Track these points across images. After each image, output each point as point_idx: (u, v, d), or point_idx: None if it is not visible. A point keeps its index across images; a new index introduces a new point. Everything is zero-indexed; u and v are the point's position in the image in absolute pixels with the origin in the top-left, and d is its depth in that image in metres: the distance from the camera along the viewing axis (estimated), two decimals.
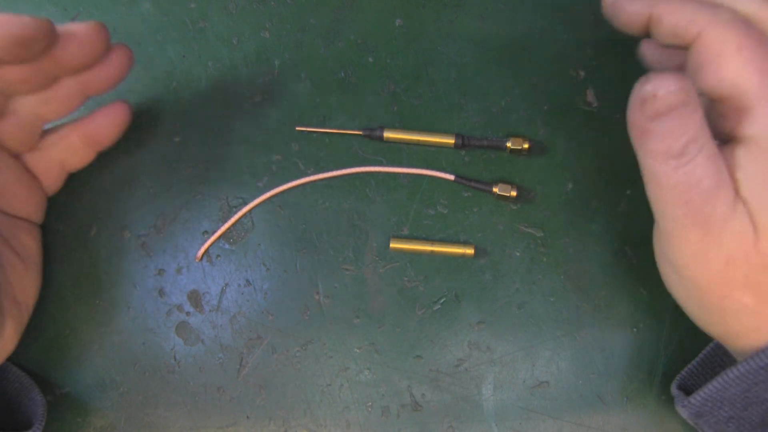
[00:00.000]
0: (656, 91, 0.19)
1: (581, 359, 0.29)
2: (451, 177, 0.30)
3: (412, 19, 0.31)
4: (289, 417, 0.29)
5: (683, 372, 0.26)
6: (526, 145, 0.29)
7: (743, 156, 0.20)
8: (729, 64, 0.20)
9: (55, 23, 0.21)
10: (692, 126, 0.19)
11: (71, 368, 0.29)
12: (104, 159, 0.29)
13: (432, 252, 0.29)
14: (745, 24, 0.20)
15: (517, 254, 0.29)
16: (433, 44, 0.31)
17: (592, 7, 0.31)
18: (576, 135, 0.30)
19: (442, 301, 0.29)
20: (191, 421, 0.29)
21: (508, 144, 0.29)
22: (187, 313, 0.29)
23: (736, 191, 0.20)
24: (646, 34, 0.23)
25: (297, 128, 0.30)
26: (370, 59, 0.31)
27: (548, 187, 0.30)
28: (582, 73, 0.31)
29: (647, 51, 0.25)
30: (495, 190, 0.29)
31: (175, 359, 0.29)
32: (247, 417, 0.29)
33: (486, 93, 0.31)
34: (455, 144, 0.30)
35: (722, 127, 0.21)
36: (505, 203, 0.30)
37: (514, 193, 0.29)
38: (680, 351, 0.28)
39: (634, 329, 0.29)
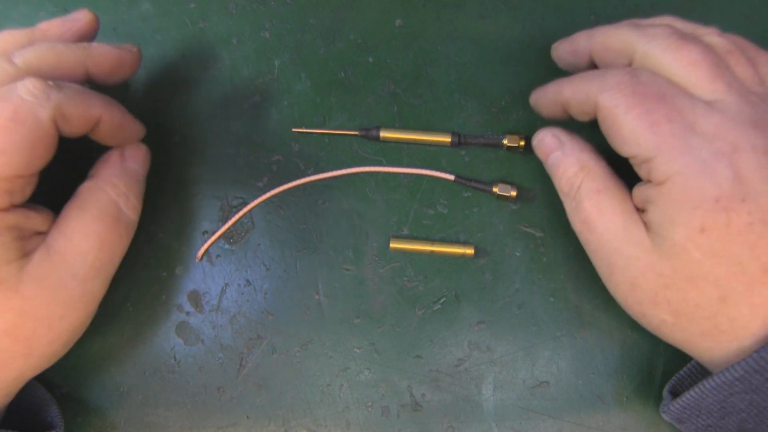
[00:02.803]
0: (534, 141, 0.27)
1: (581, 359, 0.29)
2: (451, 177, 0.30)
3: (412, 19, 0.31)
4: (289, 417, 0.29)
5: (676, 376, 0.26)
6: (522, 142, 0.29)
7: (652, 193, 0.22)
8: (623, 127, 0.22)
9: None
10: (570, 165, 0.25)
11: (71, 368, 0.29)
12: None
13: (432, 252, 0.29)
14: (632, 80, 0.22)
15: (517, 254, 0.29)
16: (433, 44, 0.31)
17: (592, 7, 0.31)
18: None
19: (442, 301, 0.29)
20: (191, 421, 0.29)
21: (505, 141, 0.29)
22: (187, 313, 0.29)
23: (644, 220, 0.23)
24: (566, 119, 0.27)
25: (293, 130, 0.30)
26: (370, 59, 0.31)
27: (548, 187, 0.30)
28: None
29: (558, 55, 0.29)
30: (495, 190, 0.29)
31: (175, 359, 0.29)
32: (247, 417, 0.29)
33: (486, 93, 0.31)
34: (452, 142, 0.30)
35: (640, 174, 0.23)
36: (505, 203, 0.30)
37: (514, 193, 0.29)
38: (680, 351, 0.28)
39: (635, 329, 0.29)
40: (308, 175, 0.30)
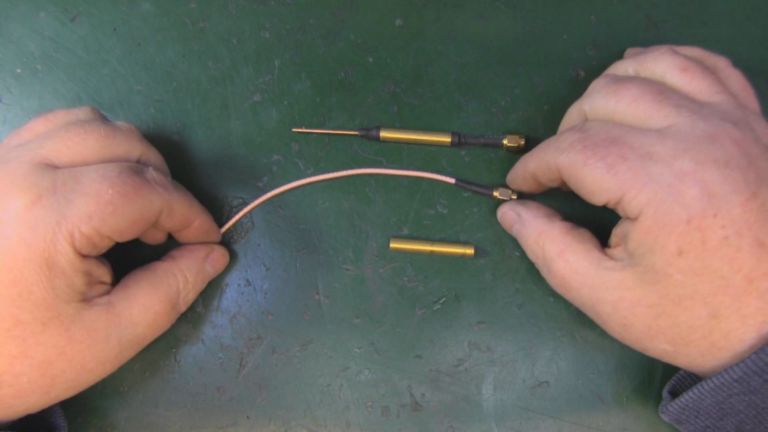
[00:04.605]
0: (498, 216, 0.29)
1: (581, 359, 0.29)
2: (452, 180, 0.30)
3: (412, 19, 0.31)
4: (289, 417, 0.29)
5: (676, 376, 0.26)
6: (522, 142, 0.29)
7: (629, 226, 0.23)
8: (586, 180, 0.23)
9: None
10: (529, 235, 0.26)
11: None
12: None
13: (432, 252, 0.29)
14: (581, 135, 0.23)
15: (517, 254, 0.29)
16: (433, 44, 0.31)
17: (592, 7, 0.31)
18: None
19: (442, 301, 0.29)
20: (191, 421, 0.29)
21: (505, 141, 0.29)
22: (187, 313, 0.29)
23: (627, 251, 0.23)
24: (544, 188, 0.27)
25: (294, 130, 0.30)
26: (370, 59, 0.31)
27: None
28: (582, 73, 0.31)
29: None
30: (496, 194, 0.29)
31: (175, 359, 0.29)
32: (247, 417, 0.29)
33: (486, 93, 0.31)
34: (452, 142, 0.30)
35: (620, 214, 0.24)
36: None
37: (514, 197, 0.29)
38: None
39: None
40: (308, 175, 0.30)
